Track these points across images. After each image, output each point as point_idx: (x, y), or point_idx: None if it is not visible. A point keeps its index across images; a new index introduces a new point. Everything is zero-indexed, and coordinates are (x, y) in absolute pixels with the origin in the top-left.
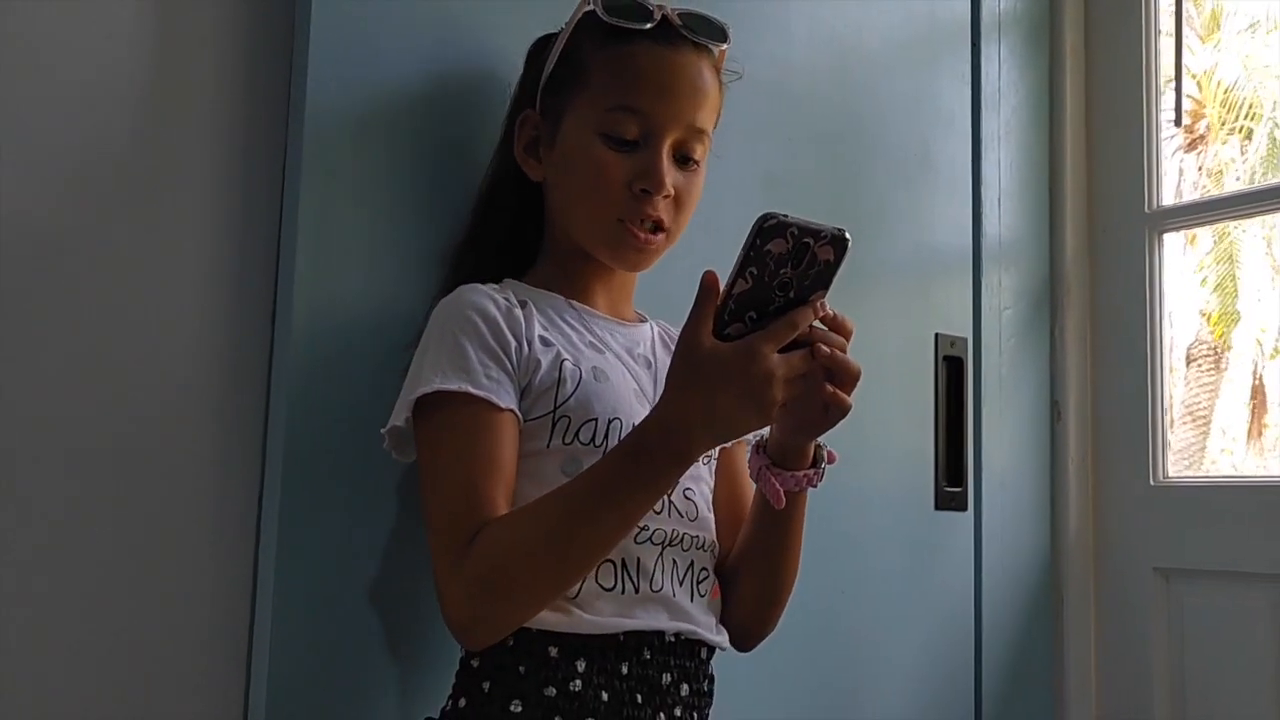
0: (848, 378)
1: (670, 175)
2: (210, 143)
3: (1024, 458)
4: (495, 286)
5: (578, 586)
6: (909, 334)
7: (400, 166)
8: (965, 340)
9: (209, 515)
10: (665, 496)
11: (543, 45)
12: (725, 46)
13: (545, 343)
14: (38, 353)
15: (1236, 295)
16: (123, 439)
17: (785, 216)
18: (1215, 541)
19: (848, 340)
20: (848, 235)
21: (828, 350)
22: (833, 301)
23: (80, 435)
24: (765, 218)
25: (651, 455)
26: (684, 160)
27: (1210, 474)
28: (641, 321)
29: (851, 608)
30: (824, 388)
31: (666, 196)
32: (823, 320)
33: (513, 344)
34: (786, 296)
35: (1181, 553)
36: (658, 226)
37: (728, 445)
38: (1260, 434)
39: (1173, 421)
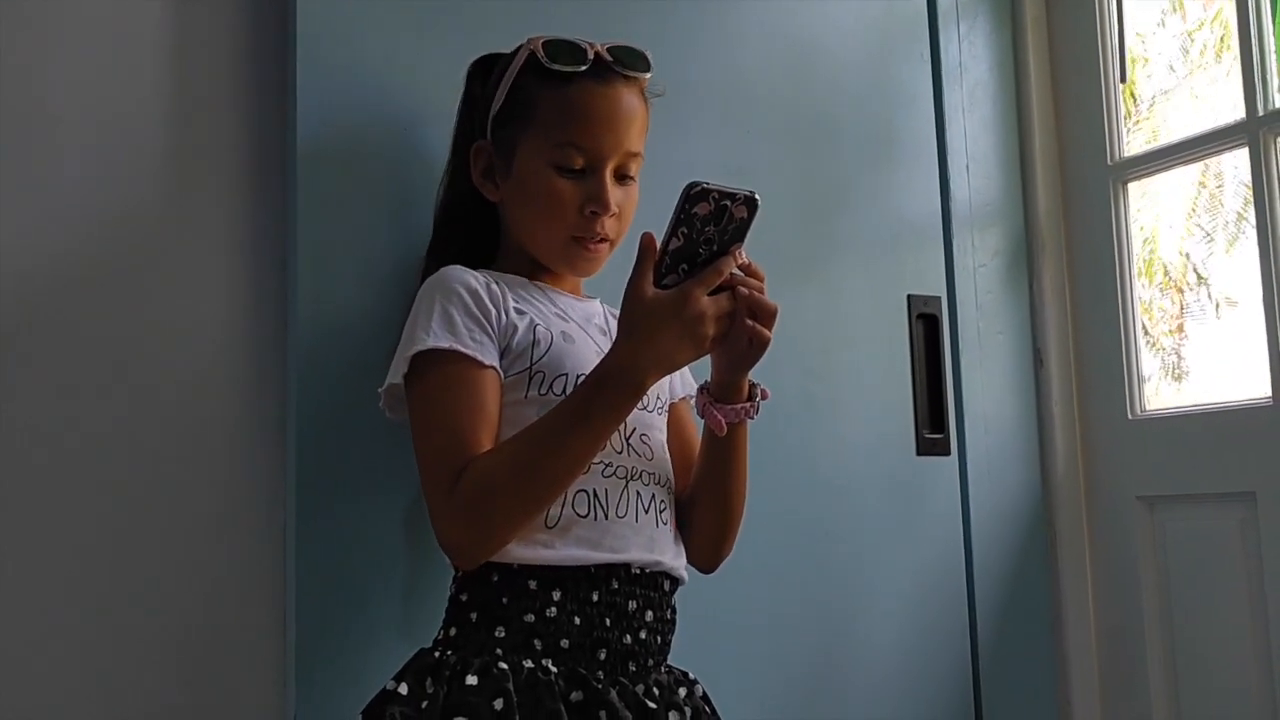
0: (765, 313)
1: (614, 195)
2: (223, 189)
3: (1008, 403)
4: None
5: (558, 513)
6: (881, 298)
7: (381, 194)
8: (939, 299)
9: (242, 502)
10: (625, 439)
11: (482, 67)
12: (649, 75)
13: (519, 312)
14: (84, 373)
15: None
16: (161, 442)
17: (707, 184)
18: (1188, 467)
19: (762, 283)
20: (757, 196)
21: (747, 291)
22: (804, 273)
23: (126, 441)
24: (691, 185)
25: (610, 387)
26: (622, 178)
27: (1178, 405)
28: (592, 299)
29: (839, 548)
30: (745, 323)
31: (612, 215)
32: (740, 267)
33: (493, 312)
34: (711, 250)
35: (1160, 480)
36: (604, 239)
37: (675, 400)
38: None
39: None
